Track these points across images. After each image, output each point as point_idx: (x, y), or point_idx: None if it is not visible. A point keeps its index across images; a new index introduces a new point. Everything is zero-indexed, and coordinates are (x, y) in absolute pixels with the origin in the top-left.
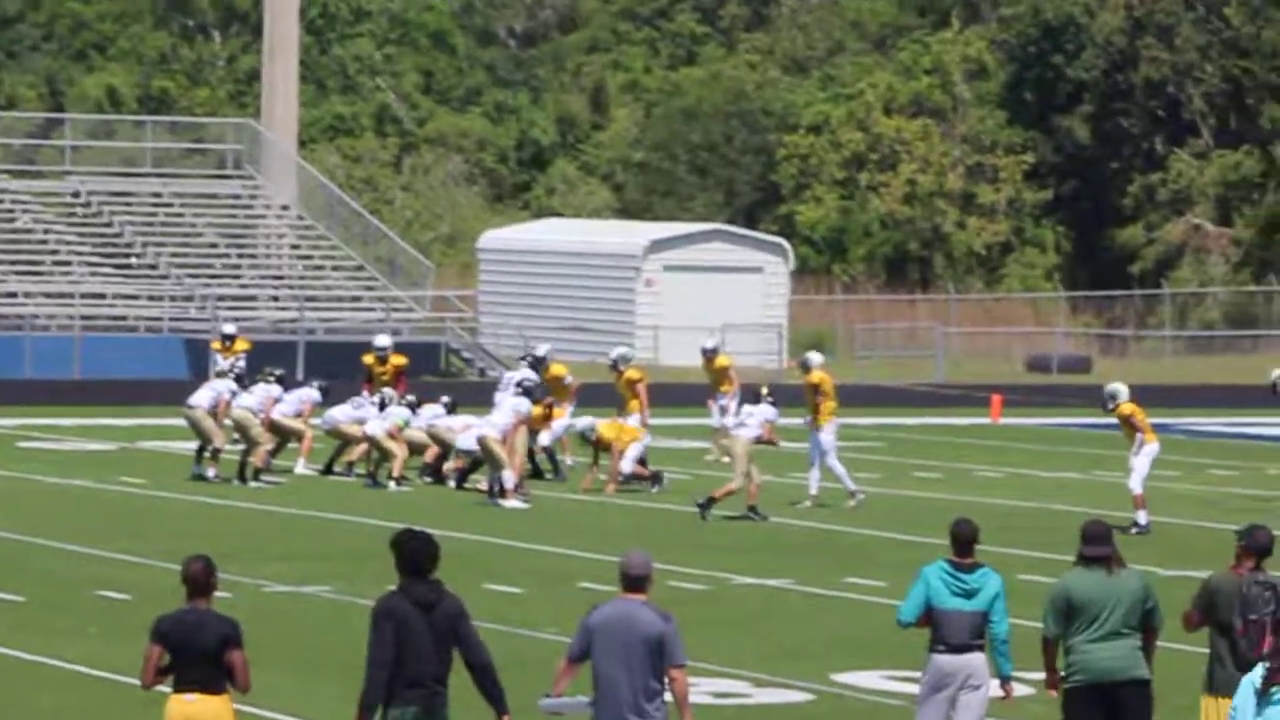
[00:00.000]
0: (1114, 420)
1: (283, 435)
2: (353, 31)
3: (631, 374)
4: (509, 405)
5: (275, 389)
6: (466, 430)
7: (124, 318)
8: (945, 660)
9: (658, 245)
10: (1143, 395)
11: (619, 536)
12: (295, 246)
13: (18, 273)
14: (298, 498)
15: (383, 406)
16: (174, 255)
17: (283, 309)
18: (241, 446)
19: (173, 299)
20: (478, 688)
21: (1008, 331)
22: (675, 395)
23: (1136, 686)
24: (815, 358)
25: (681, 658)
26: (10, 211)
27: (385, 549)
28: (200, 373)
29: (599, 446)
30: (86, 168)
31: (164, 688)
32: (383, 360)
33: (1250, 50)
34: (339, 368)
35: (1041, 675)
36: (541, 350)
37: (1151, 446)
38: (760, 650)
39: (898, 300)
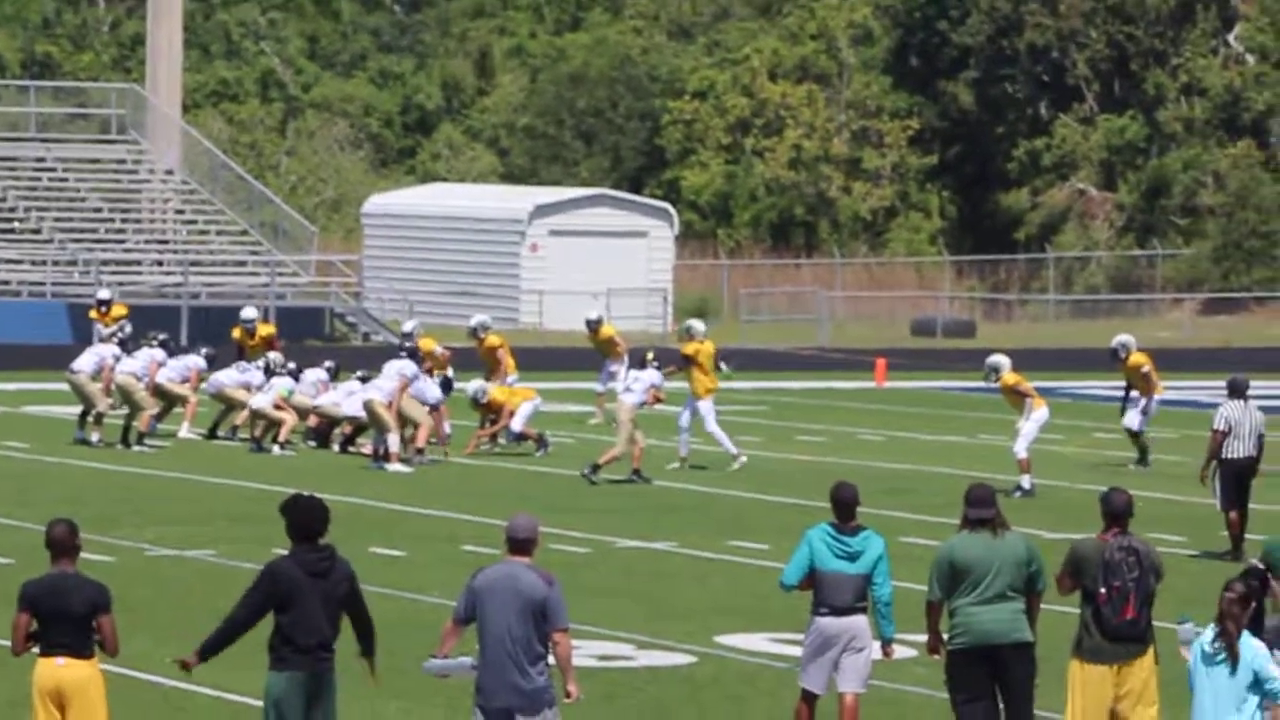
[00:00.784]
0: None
1: (168, 400)
2: None
3: (492, 340)
4: (394, 369)
5: (159, 353)
6: (350, 397)
7: (7, 282)
8: (828, 623)
9: (543, 210)
10: (1027, 359)
11: (503, 500)
12: (180, 211)
13: None
14: (181, 461)
15: (268, 371)
16: (58, 220)
17: (167, 274)
18: (125, 411)
19: (56, 264)
20: (356, 632)
21: (892, 296)
22: (560, 360)
23: (1019, 649)
24: (699, 326)
25: (564, 621)
26: None
27: (268, 513)
28: (84, 338)
29: (489, 409)
30: None
31: (34, 650)
32: (250, 333)
33: (1134, 16)
34: (223, 332)
35: (925, 637)
36: (408, 326)
37: (1041, 412)
38: (644, 613)
39: (783, 265)
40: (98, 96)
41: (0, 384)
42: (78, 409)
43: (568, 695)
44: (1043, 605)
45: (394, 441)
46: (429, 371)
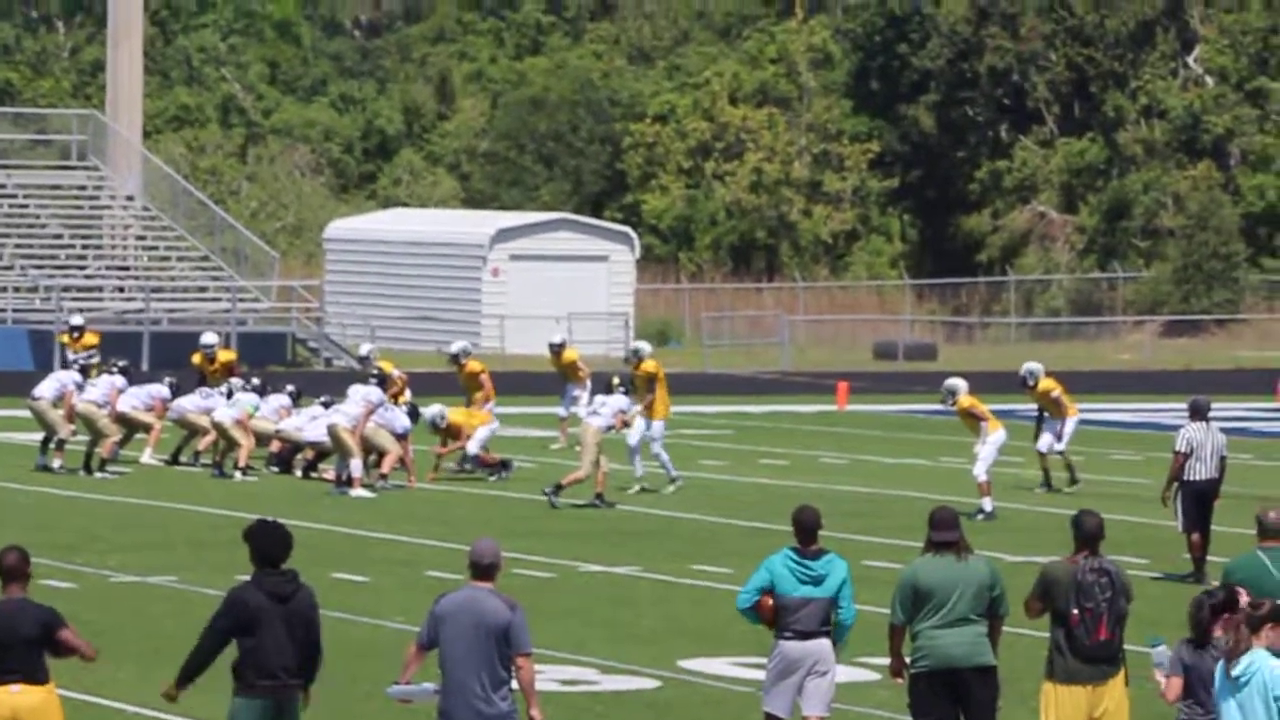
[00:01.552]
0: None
1: (130, 427)
2: (197, 22)
3: (473, 366)
4: (359, 394)
5: (119, 380)
6: (314, 422)
7: None
8: (792, 647)
9: (504, 234)
10: (988, 382)
11: (466, 525)
12: (140, 237)
13: None
14: (143, 488)
15: (229, 396)
16: (18, 246)
17: (128, 300)
18: (87, 438)
19: (17, 290)
20: (301, 656)
21: (854, 319)
22: (521, 384)
23: (982, 673)
24: (645, 348)
25: (527, 646)
26: None
27: (229, 538)
28: (44, 364)
29: (447, 434)
30: None
31: None
32: (210, 358)
33: (1093, 39)
34: (184, 358)
35: (888, 660)
36: (365, 349)
37: (998, 435)
38: (607, 637)
39: (744, 289)
40: (58, 123)
41: None
42: (39, 435)
43: None
44: (1004, 628)
45: (356, 466)
46: (394, 398)
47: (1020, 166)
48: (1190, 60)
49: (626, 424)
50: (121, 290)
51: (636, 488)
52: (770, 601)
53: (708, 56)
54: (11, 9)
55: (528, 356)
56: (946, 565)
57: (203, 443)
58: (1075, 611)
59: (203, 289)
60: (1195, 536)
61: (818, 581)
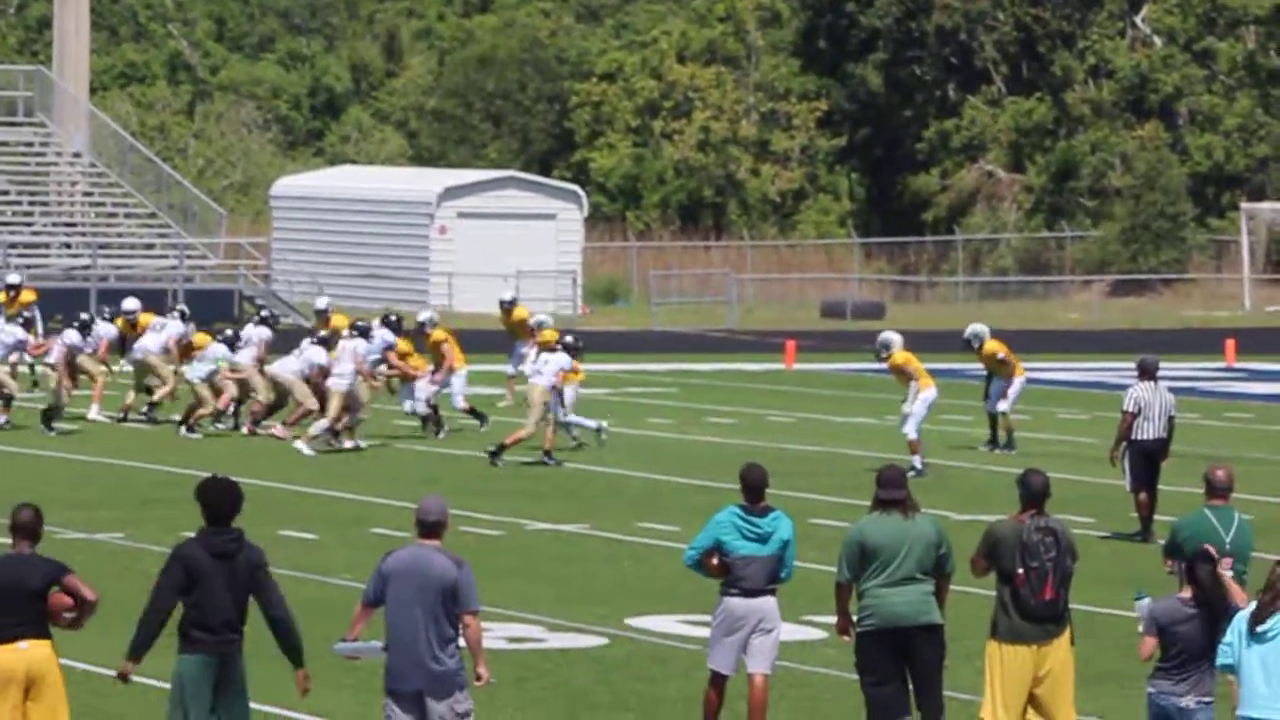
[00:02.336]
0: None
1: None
2: None
3: (436, 335)
4: (349, 350)
5: (71, 335)
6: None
7: None
8: (738, 604)
9: (451, 192)
10: (936, 341)
11: (412, 482)
12: (88, 194)
13: None
14: (90, 445)
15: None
16: None
17: (75, 256)
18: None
19: None
20: (276, 640)
21: (801, 278)
22: (469, 342)
23: (928, 631)
24: (547, 319)
25: (474, 603)
26: None
27: (177, 495)
28: None
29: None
30: None
31: None
32: (133, 324)
33: None
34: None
35: (835, 619)
36: (321, 303)
37: (929, 393)
38: (554, 595)
39: (692, 247)
40: (3, 79)
41: None
42: None
43: (478, 678)
44: (951, 587)
45: (322, 426)
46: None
47: (968, 126)
48: (1138, 20)
49: (566, 381)
50: (68, 247)
51: (595, 444)
52: (715, 560)
53: (656, 15)
54: None
55: (475, 315)
56: (893, 524)
57: (160, 392)
58: (1021, 571)
59: (150, 246)
60: (1143, 496)
61: (764, 539)
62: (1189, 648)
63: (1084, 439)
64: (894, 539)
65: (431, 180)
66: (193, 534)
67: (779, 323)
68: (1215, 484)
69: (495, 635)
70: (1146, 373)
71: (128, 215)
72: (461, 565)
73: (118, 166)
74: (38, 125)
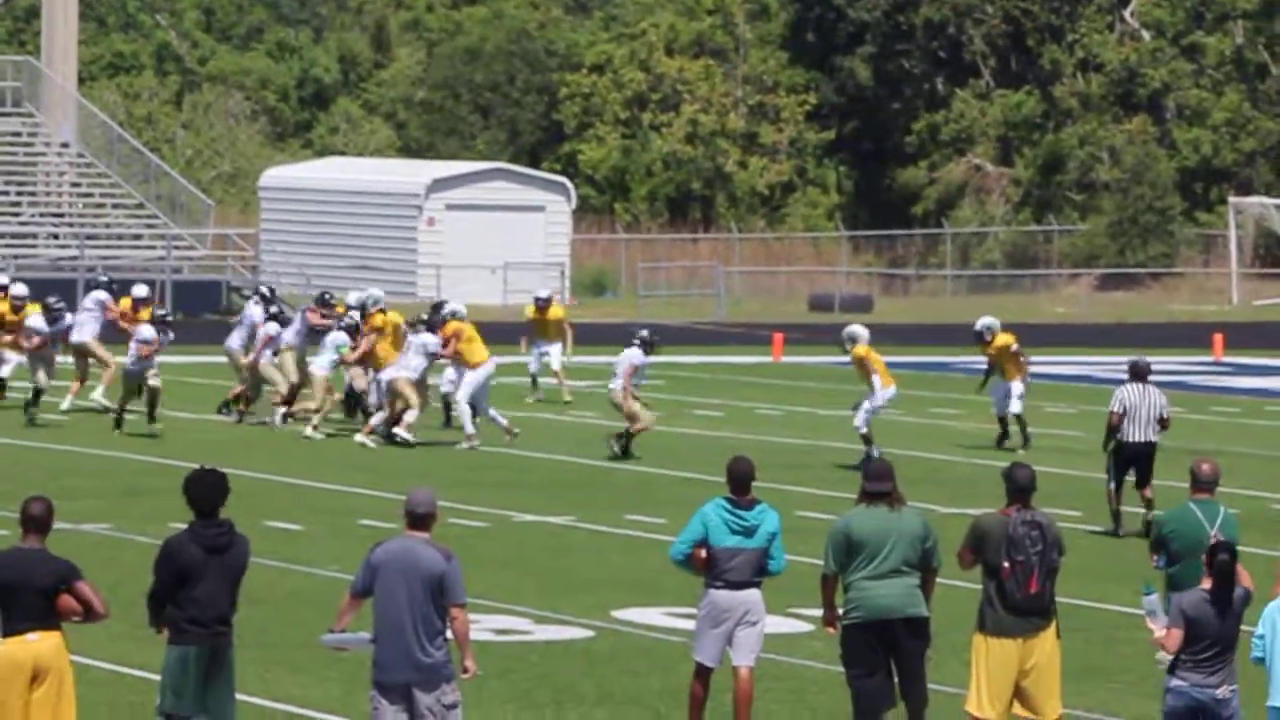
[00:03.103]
0: (900, 360)
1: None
2: None
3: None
4: (418, 343)
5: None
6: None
7: None
8: (723, 596)
9: (440, 184)
10: (924, 334)
11: (400, 474)
12: (75, 184)
13: None
14: (77, 435)
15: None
16: None
17: (63, 247)
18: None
19: None
20: None
21: (789, 271)
22: None
23: (914, 624)
24: (458, 309)
25: (461, 596)
26: None
27: (165, 485)
28: None
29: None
30: None
31: None
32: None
33: None
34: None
35: (820, 611)
36: (353, 298)
37: (889, 391)
38: (541, 587)
39: (680, 239)
40: None
41: None
42: None
43: (465, 671)
44: (937, 580)
45: (413, 415)
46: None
47: (956, 119)
48: (1127, 14)
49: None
50: (56, 237)
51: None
52: (703, 553)
53: (644, 7)
54: None
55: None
56: (880, 516)
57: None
58: (1006, 564)
59: (138, 236)
60: (1112, 487)
61: (750, 532)
62: (1221, 639)
63: (1071, 432)
64: (880, 531)
65: (420, 172)
66: (183, 525)
67: (767, 315)
68: (1200, 478)
69: (482, 627)
70: (1137, 375)
71: (115, 206)
72: (450, 558)
73: (106, 157)
74: (25, 115)
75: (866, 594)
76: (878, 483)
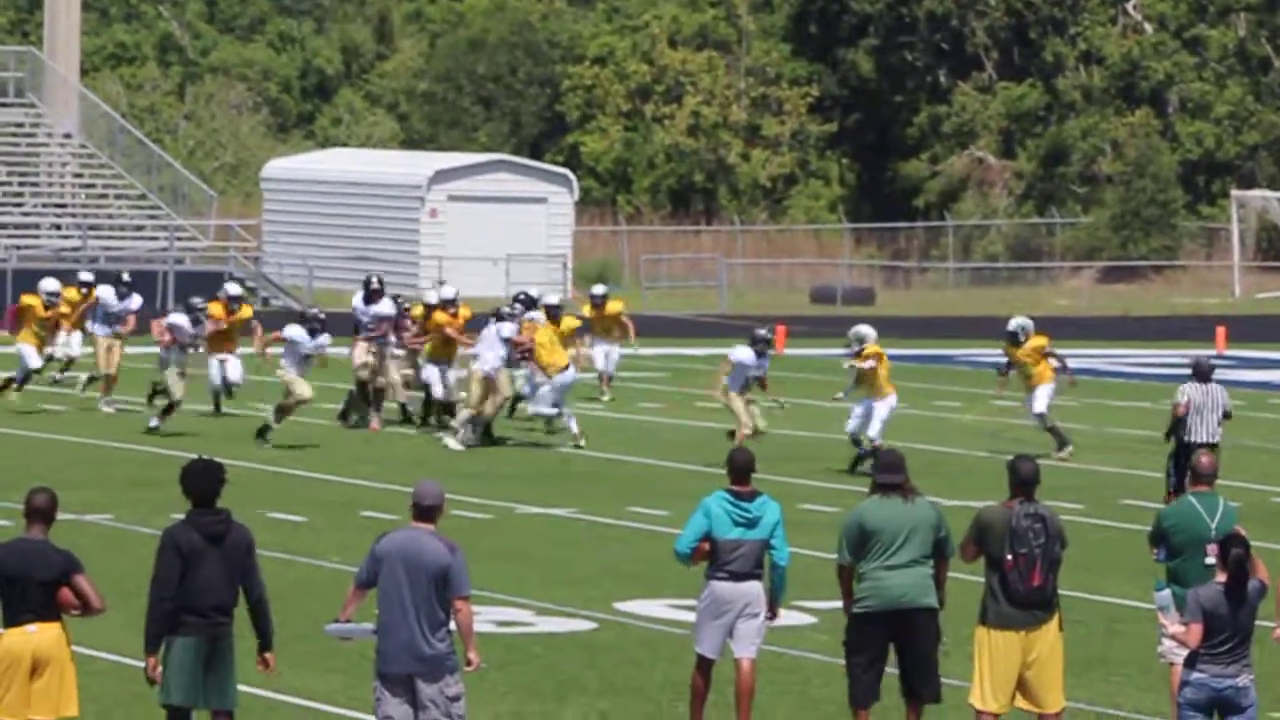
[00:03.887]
0: (902, 352)
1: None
2: None
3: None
4: (492, 333)
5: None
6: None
7: None
8: (725, 588)
9: (442, 175)
10: (926, 327)
11: (402, 466)
12: (78, 175)
13: None
14: (79, 426)
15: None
16: None
17: (65, 237)
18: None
19: None
20: (251, 619)
21: (792, 263)
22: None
23: (924, 614)
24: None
25: (466, 589)
26: None
27: (166, 477)
28: None
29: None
30: None
31: None
32: (232, 310)
33: None
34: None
35: (827, 604)
36: (449, 292)
37: (893, 399)
38: (544, 579)
39: (682, 231)
40: None
41: None
42: None
43: (468, 663)
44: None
45: (466, 414)
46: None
47: (959, 112)
48: (1129, 7)
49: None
50: (59, 228)
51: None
52: (705, 546)
53: None
54: None
55: (466, 298)
56: (893, 506)
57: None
58: (1009, 557)
59: (140, 227)
60: (1172, 487)
61: (752, 524)
62: (1239, 630)
63: (1073, 425)
64: (894, 522)
65: (422, 163)
66: (181, 516)
67: (769, 308)
68: (1200, 471)
69: (484, 619)
70: (1200, 374)
71: (118, 196)
72: (454, 550)
73: (108, 148)
74: (28, 106)
75: (881, 583)
76: (890, 474)
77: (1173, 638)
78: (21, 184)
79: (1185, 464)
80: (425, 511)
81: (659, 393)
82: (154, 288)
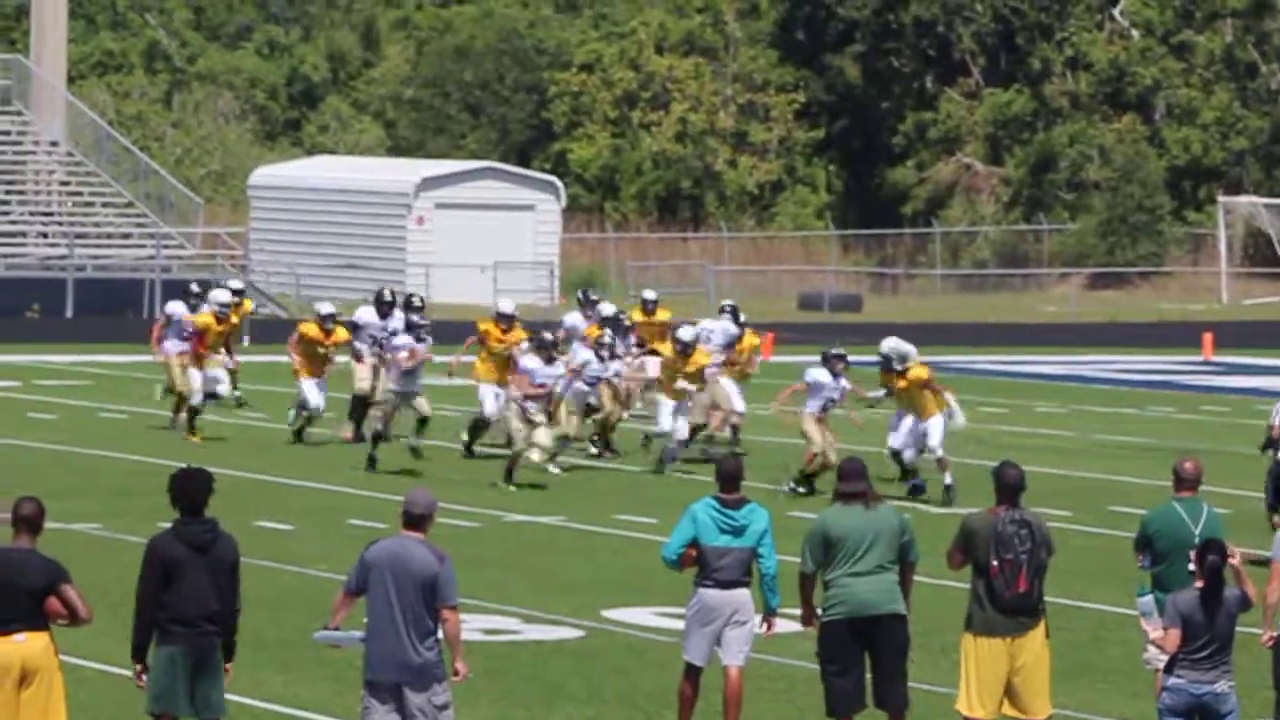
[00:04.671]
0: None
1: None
2: None
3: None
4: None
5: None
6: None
7: None
8: (712, 595)
9: (429, 183)
10: (913, 333)
11: (388, 475)
12: (65, 183)
13: None
14: (66, 434)
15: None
16: None
17: (52, 245)
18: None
19: None
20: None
21: (779, 270)
22: (445, 333)
23: (893, 620)
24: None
25: (454, 598)
26: None
27: (153, 485)
28: None
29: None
30: None
31: None
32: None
33: None
34: (108, 305)
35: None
36: (608, 309)
37: (939, 418)
38: (531, 587)
39: (670, 238)
40: None
41: None
42: None
43: (456, 673)
44: (925, 579)
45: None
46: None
47: (946, 118)
48: (1116, 13)
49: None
50: (45, 236)
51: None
52: (693, 552)
53: (634, 5)
54: None
55: (453, 305)
56: (856, 514)
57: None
58: (994, 563)
59: (127, 235)
60: (1276, 519)
61: (739, 531)
62: (1217, 637)
63: (1060, 432)
64: (858, 529)
65: (409, 170)
66: (169, 525)
67: (756, 314)
68: (1183, 476)
69: (472, 627)
70: None
71: (105, 204)
72: (443, 559)
73: (95, 155)
74: (14, 114)
75: (848, 590)
76: (852, 483)
77: (1154, 643)
78: (8, 192)
79: (1275, 482)
80: (415, 520)
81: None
82: (140, 296)
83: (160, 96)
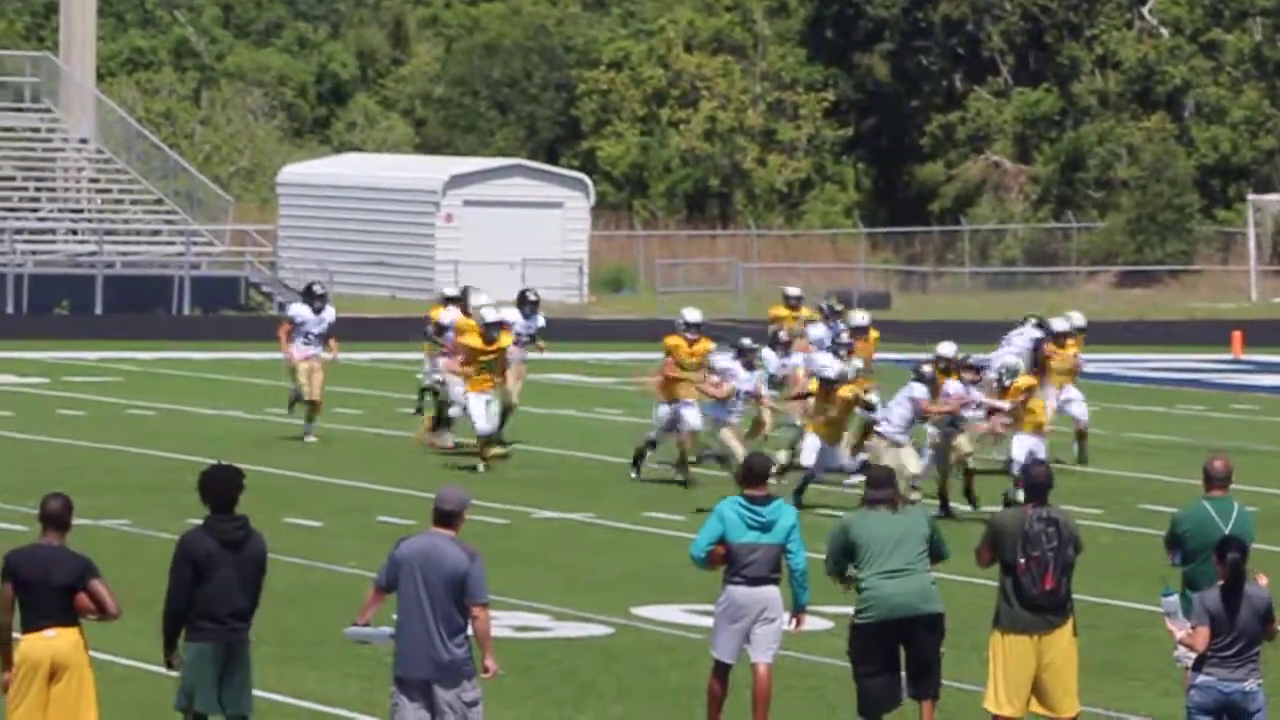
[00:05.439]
0: (918, 357)
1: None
2: None
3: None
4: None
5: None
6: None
7: None
8: (741, 592)
9: (458, 180)
10: (942, 332)
11: (418, 471)
12: (94, 180)
13: None
14: (95, 431)
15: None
16: None
17: (81, 242)
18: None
19: None
20: None
21: (808, 267)
22: None
23: (930, 620)
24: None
25: (484, 596)
26: None
27: (182, 482)
28: None
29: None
30: None
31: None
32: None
33: None
34: (137, 301)
35: (844, 609)
36: (693, 315)
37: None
38: (560, 584)
39: (698, 236)
40: (11, 65)
41: None
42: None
43: (485, 670)
44: (955, 577)
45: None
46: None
47: (974, 116)
48: (1145, 11)
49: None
50: (75, 233)
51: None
52: (721, 550)
53: (663, 3)
54: None
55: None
56: (879, 518)
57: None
58: (1022, 560)
59: (156, 232)
60: None
61: (766, 528)
62: (1245, 634)
63: (1091, 430)
64: (881, 533)
65: (438, 168)
66: (199, 521)
67: None
68: (1214, 475)
69: (501, 624)
70: None
71: (134, 201)
72: (474, 557)
73: (124, 153)
74: (44, 111)
75: (880, 593)
76: (879, 490)
77: (1180, 643)
78: (38, 189)
79: None
80: (445, 517)
81: None
82: (170, 293)
83: (189, 94)
